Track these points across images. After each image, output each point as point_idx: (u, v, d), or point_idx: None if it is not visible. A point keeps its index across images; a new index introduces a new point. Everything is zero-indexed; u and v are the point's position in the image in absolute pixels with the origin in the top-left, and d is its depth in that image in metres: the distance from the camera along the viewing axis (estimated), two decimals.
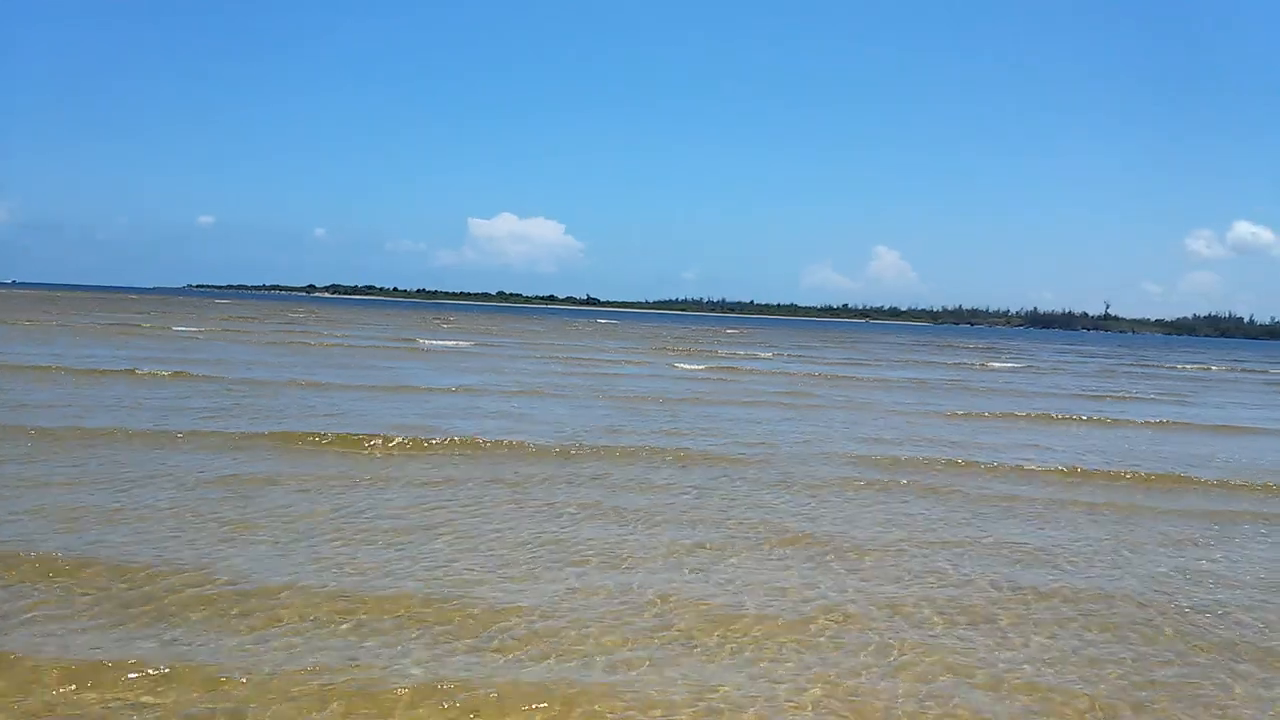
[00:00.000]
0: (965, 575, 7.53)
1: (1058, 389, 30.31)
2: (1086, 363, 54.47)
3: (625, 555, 7.62)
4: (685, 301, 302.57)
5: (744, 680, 5.29)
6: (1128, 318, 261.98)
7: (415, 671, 5.16)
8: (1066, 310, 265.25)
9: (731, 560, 7.64)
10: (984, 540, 8.72)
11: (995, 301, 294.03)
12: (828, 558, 7.84)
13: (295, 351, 30.46)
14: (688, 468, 11.72)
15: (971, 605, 6.77)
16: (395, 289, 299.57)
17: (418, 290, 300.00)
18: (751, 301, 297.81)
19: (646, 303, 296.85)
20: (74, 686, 4.79)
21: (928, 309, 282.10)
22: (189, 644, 5.37)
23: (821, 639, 5.97)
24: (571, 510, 9.11)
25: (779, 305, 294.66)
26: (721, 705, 4.96)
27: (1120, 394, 29.55)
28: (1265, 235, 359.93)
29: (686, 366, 32.62)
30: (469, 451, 12.00)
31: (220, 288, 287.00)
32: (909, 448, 14.37)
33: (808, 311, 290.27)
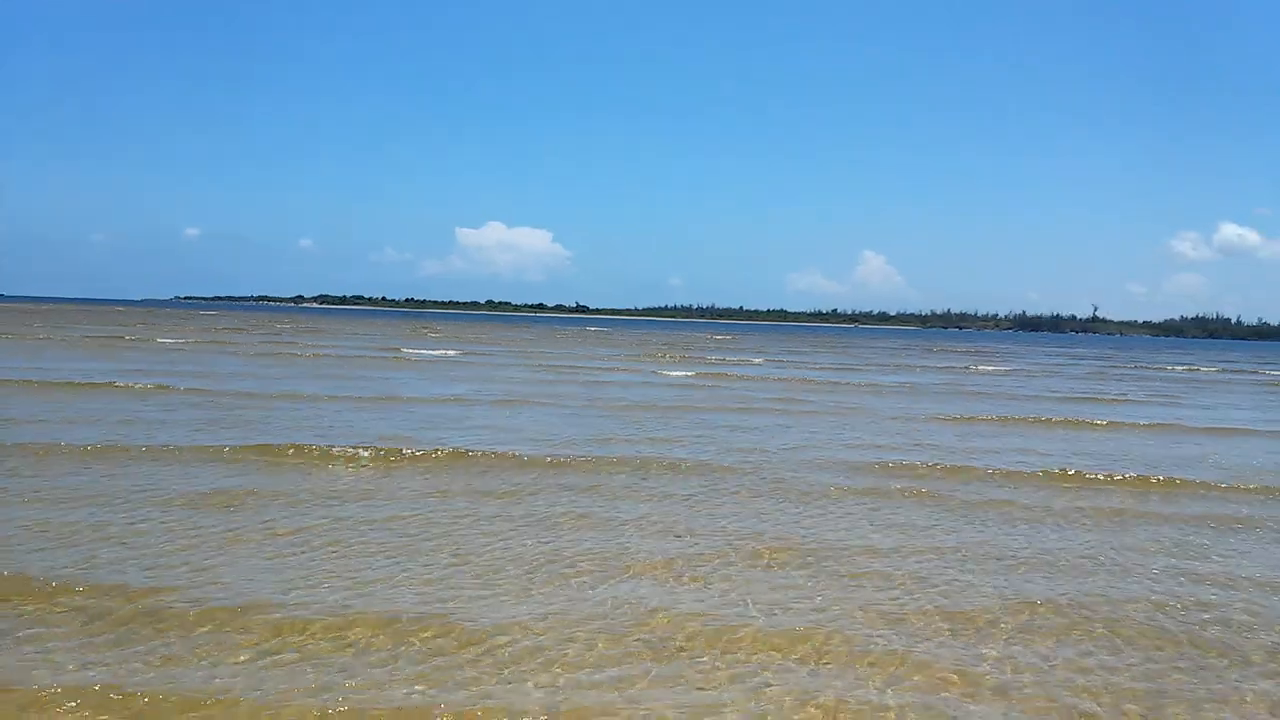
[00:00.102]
0: (964, 583, 7.41)
1: (1049, 392, 30.28)
2: (1076, 365, 54.57)
3: (619, 567, 7.48)
4: (674, 308, 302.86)
5: (740, 695, 5.15)
6: (1115, 320, 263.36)
7: (407, 691, 5.01)
8: (1054, 313, 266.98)
9: (726, 571, 7.51)
10: (982, 547, 8.60)
11: (983, 305, 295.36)
12: (824, 567, 7.71)
13: (282, 362, 30.23)
14: (680, 476, 11.58)
15: (972, 614, 6.65)
16: (383, 299, 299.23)
17: (406, 300, 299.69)
18: (740, 307, 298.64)
19: (635, 310, 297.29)
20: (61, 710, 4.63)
21: (916, 313, 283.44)
22: (171, 667, 5.21)
23: (821, 651, 5.84)
24: (563, 522, 8.96)
25: (768, 310, 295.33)
26: None
27: (1112, 396, 29.55)
28: (1251, 237, 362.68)
29: (677, 373, 32.50)
30: (459, 462, 11.84)
31: (208, 299, 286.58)
32: (903, 453, 14.26)
33: (796, 316, 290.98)
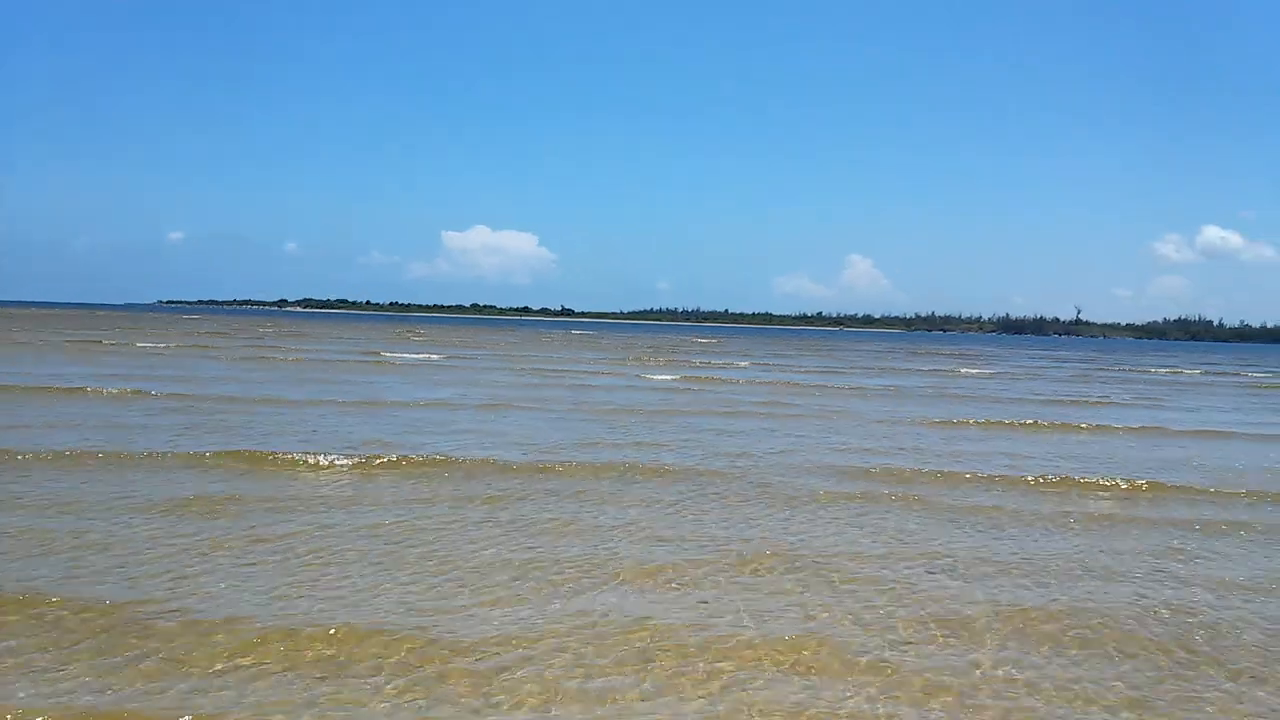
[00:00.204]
0: (955, 591, 7.35)
1: (1034, 395, 30.34)
2: (1060, 367, 54.78)
3: (607, 575, 7.38)
4: (660, 311, 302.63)
5: (731, 707, 5.07)
6: (1099, 322, 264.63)
7: (392, 705, 4.91)
8: (1038, 315, 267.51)
9: (715, 579, 7.43)
10: (971, 553, 8.55)
11: (967, 307, 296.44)
12: (813, 574, 7.64)
13: (264, 367, 30.02)
14: (666, 482, 11.50)
15: (964, 622, 6.58)
16: (368, 302, 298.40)
17: (391, 303, 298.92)
18: (726, 310, 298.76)
19: (621, 313, 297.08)
20: None
21: (900, 315, 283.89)
22: (149, 681, 5.09)
23: (812, 660, 5.76)
24: (550, 528, 8.86)
25: (754, 314, 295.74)
26: None
27: (1097, 399, 29.62)
28: (1234, 240, 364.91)
29: (663, 377, 32.43)
30: (442, 468, 11.73)
31: (192, 303, 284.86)
32: (889, 457, 14.22)
33: (782, 320, 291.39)
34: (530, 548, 8.12)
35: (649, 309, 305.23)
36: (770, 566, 7.81)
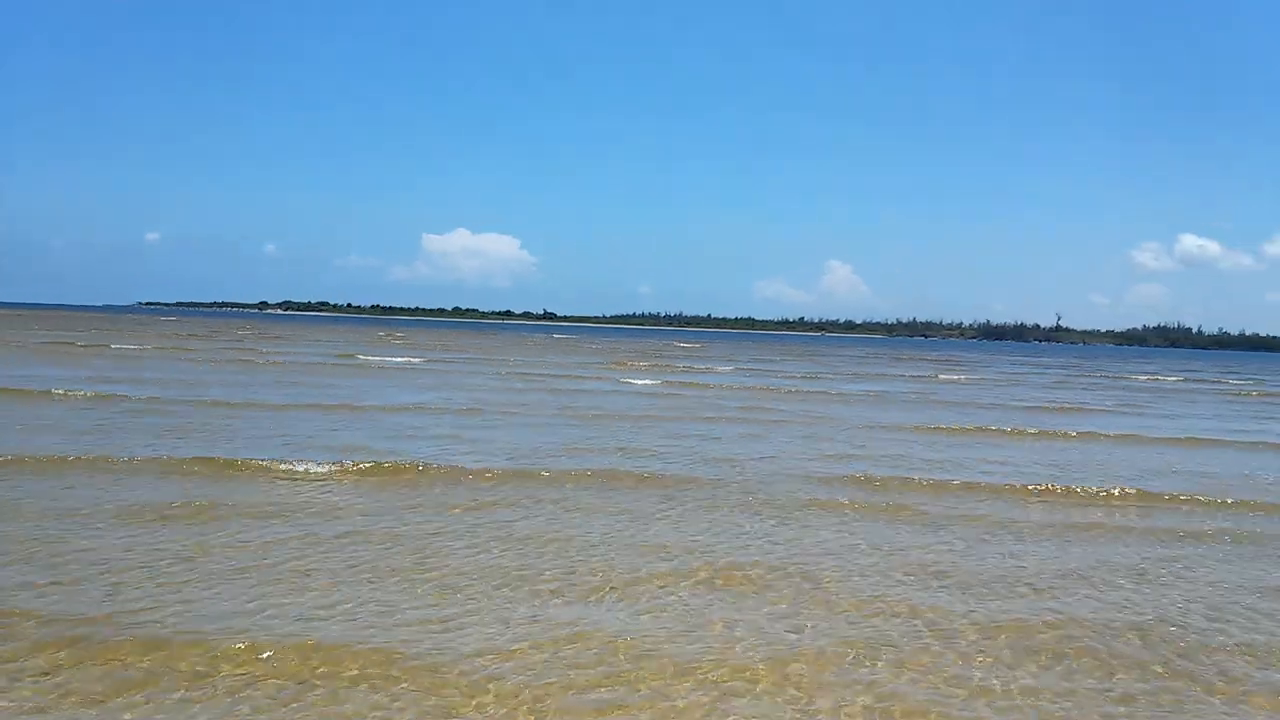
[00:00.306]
0: (944, 604, 7.25)
1: (1016, 401, 30.38)
2: (1043, 374, 54.98)
3: (590, 587, 7.24)
4: (642, 316, 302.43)
5: None
6: (1079, 329, 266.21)
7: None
8: (1019, 322, 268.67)
9: (700, 589, 7.30)
10: (959, 565, 8.46)
11: (948, 314, 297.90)
12: (799, 587, 7.52)
13: (242, 369, 29.72)
14: (649, 489, 11.37)
15: (955, 636, 6.48)
16: (349, 305, 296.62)
17: (372, 306, 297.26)
18: (709, 315, 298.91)
19: (603, 317, 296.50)
20: None
21: (882, 321, 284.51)
22: (113, 698, 4.93)
23: (800, 677, 5.64)
24: (533, 536, 8.71)
25: (736, 319, 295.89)
26: None
27: (1078, 406, 29.68)
28: (1212, 248, 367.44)
29: (646, 382, 32.31)
30: (422, 475, 11.55)
31: (170, 305, 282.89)
32: (874, 464, 14.14)
33: (764, 325, 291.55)
34: (515, 557, 7.96)
35: (631, 313, 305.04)
36: (755, 577, 7.68)
